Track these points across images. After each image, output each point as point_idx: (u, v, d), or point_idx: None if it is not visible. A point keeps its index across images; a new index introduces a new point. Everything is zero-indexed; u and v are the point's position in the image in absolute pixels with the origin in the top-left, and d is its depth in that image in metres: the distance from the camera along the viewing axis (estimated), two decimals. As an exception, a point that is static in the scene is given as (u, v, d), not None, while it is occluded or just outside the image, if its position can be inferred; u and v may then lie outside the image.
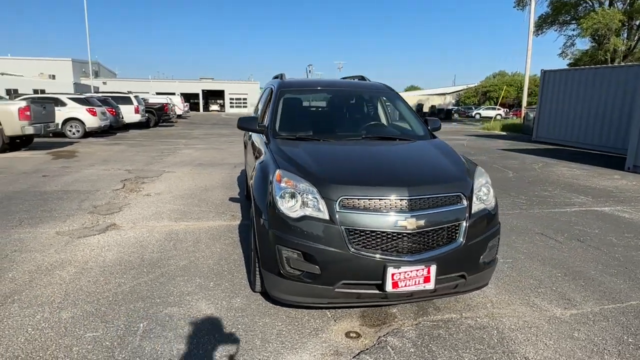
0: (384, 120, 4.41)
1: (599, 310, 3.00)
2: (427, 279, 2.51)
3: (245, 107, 61.80)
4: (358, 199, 2.54)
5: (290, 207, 2.59)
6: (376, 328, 2.73)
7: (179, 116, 34.08)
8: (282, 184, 2.67)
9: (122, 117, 18.81)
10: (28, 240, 4.19)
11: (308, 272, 2.53)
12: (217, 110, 62.10)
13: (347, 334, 2.66)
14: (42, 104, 11.62)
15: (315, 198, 2.57)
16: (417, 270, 2.49)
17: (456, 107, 51.10)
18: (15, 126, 10.42)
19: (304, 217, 2.55)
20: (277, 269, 2.60)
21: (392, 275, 2.46)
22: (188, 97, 63.93)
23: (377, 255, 2.48)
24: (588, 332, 2.72)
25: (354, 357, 2.42)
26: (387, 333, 2.67)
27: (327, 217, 2.52)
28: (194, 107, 63.95)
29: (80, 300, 2.97)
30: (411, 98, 51.04)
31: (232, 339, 2.56)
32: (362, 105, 4.48)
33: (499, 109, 37.56)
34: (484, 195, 2.86)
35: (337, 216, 2.50)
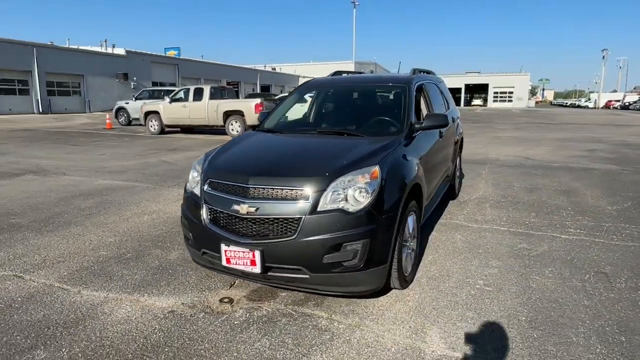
0: (387, 115, 4.15)
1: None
2: (253, 262, 2.69)
3: (510, 101, 57.10)
4: (217, 182, 2.94)
5: (190, 184, 3.22)
6: (252, 303, 3.03)
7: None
8: (195, 164, 3.32)
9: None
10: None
11: (187, 237, 3.13)
12: (480, 105, 59.86)
13: (223, 299, 3.09)
14: (274, 101, 14.88)
15: (197, 179, 3.11)
16: (244, 252, 2.70)
17: None
18: (253, 117, 13.80)
19: (191, 193, 3.14)
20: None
21: (225, 251, 2.78)
22: (451, 92, 64.08)
23: (218, 232, 2.84)
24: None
25: (204, 312, 2.88)
26: (251, 307, 2.95)
27: (198, 194, 3.03)
28: (456, 101, 63.60)
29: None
30: None
31: (174, 274, 3.43)
32: (369, 99, 4.37)
33: None
34: (346, 196, 2.67)
35: (202, 195, 2.98)
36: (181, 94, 15.60)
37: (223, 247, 2.77)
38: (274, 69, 66.69)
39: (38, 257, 3.84)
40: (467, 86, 61.39)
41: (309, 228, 2.61)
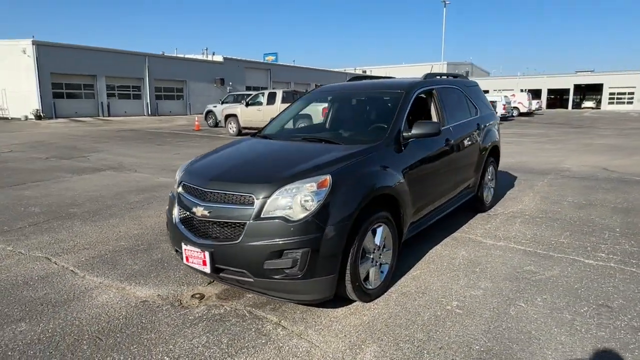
0: (377, 122, 4.01)
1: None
2: (204, 262, 2.85)
3: (630, 102, 50.21)
4: (186, 184, 3.15)
5: (174, 186, 3.49)
6: (219, 300, 3.20)
7: (525, 114, 32.66)
8: (180, 166, 3.58)
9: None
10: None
11: (169, 232, 3.40)
12: (592, 108, 53.61)
13: (195, 295, 3.30)
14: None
15: (176, 179, 3.36)
16: (197, 252, 2.87)
17: None
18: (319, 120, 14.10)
19: (171, 194, 3.40)
20: None
21: (185, 250, 2.97)
22: (557, 93, 58.40)
23: (182, 231, 3.04)
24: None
25: (171, 305, 3.12)
26: (214, 305, 3.12)
27: (175, 194, 3.28)
28: (563, 103, 57.78)
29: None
30: None
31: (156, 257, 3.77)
32: (364, 106, 4.28)
33: None
34: (290, 204, 2.69)
35: (176, 196, 3.22)
36: (257, 98, 16.48)
37: (183, 245, 2.97)
38: (365, 71, 66.82)
39: (71, 243, 4.44)
40: (576, 87, 55.31)
41: (252, 233, 2.69)
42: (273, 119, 4.49)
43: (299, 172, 2.84)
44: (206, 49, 39.23)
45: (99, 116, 29.82)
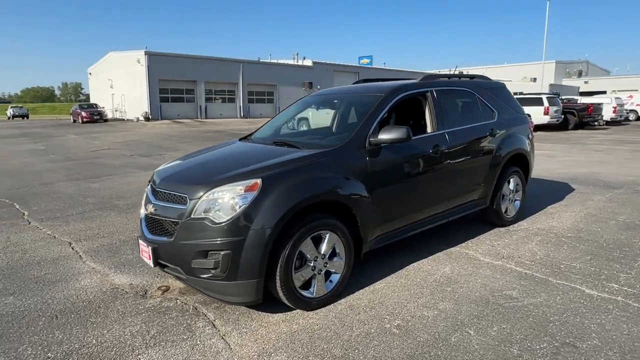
0: (348, 126, 3.85)
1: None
2: (149, 257, 3.04)
3: None
4: (151, 183, 3.38)
5: None
6: (178, 294, 3.36)
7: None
8: None
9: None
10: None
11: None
12: None
13: (161, 287, 3.52)
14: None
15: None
16: (145, 247, 3.08)
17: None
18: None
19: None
20: None
21: (140, 243, 3.20)
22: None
23: (141, 226, 3.27)
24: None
25: (135, 293, 3.40)
26: (170, 298, 3.31)
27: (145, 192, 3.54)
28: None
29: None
30: None
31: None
32: (344, 110, 4.12)
33: None
34: (217, 206, 2.76)
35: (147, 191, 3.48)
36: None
37: (139, 240, 3.20)
38: (461, 72, 63.67)
39: (97, 231, 5.00)
40: None
41: (182, 233, 2.81)
42: (266, 123, 4.58)
43: (233, 176, 2.89)
44: (297, 54, 40.75)
45: (197, 118, 32.71)
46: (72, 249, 4.41)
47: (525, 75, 57.58)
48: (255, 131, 4.47)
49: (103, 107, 33.19)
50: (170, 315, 3.01)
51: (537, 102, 19.77)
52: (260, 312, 3.01)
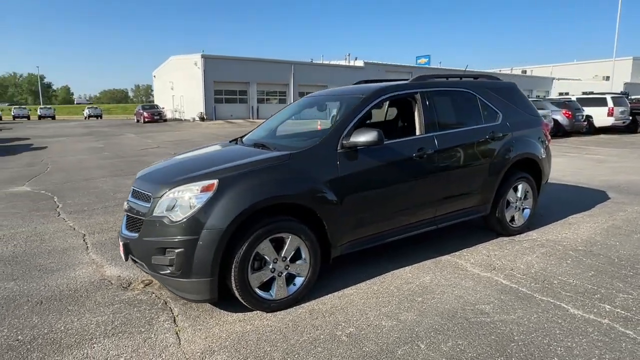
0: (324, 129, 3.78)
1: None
2: (123, 251, 3.20)
3: None
4: (134, 181, 3.55)
5: None
6: (158, 289, 3.54)
7: None
8: None
9: (585, 121, 17.68)
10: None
11: None
12: None
13: (144, 280, 3.69)
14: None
15: None
16: (120, 241, 3.25)
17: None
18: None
19: None
20: None
21: (119, 238, 3.38)
22: None
23: (122, 222, 3.45)
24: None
25: (119, 285, 3.60)
26: (147, 292, 3.46)
27: None
28: None
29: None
30: None
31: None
32: (326, 112, 4.04)
33: None
34: (175, 205, 2.85)
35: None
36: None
37: (119, 235, 3.38)
38: (525, 71, 60.35)
39: (112, 224, 5.33)
40: None
41: (145, 229, 2.93)
42: (260, 124, 4.63)
43: (193, 176, 2.97)
44: (348, 55, 40.73)
45: (249, 118, 33.73)
46: (84, 240, 4.74)
47: (596, 74, 53.39)
48: (249, 132, 4.54)
49: (163, 108, 35.25)
50: (139, 307, 3.15)
51: (600, 102, 18.27)
52: (221, 311, 3.07)
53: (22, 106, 59.66)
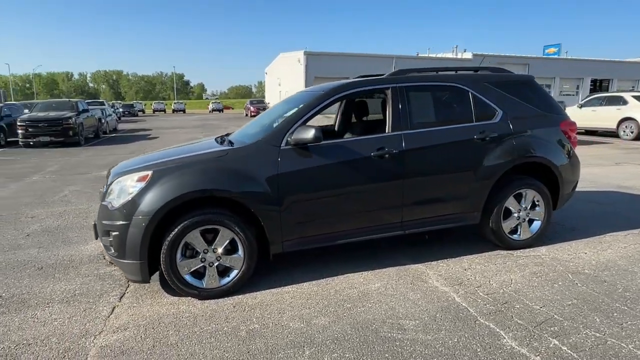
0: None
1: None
2: (94, 231, 3.61)
3: None
4: None
5: None
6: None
7: None
8: None
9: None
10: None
11: None
12: None
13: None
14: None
15: None
16: (93, 223, 3.68)
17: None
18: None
19: None
20: None
21: (100, 219, 3.83)
22: None
23: (106, 206, 3.90)
24: None
25: (100, 259, 4.10)
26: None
27: None
28: None
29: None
30: None
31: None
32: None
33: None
34: (117, 192, 3.15)
35: None
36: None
37: (99, 217, 3.83)
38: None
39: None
40: None
41: (99, 213, 3.30)
42: (254, 119, 4.74)
43: (137, 167, 3.23)
44: (456, 47, 38.46)
45: (347, 113, 34.07)
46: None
47: None
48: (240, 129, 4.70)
49: (268, 103, 37.48)
50: (104, 282, 3.55)
51: None
52: (165, 293, 3.29)
53: (160, 101, 68.57)
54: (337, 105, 4.74)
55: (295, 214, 3.28)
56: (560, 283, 3.25)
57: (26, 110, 16.76)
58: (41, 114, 15.26)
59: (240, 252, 3.19)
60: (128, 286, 3.45)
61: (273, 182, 3.19)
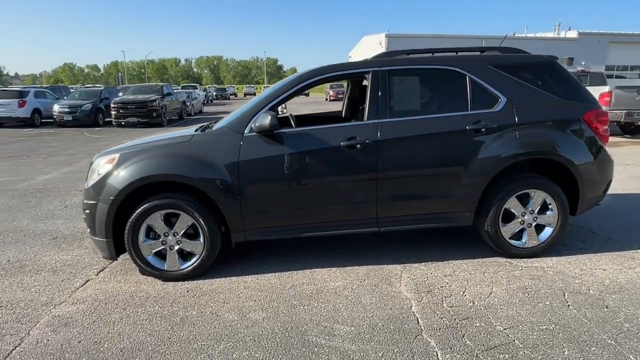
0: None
1: None
2: (91, 208, 3.90)
3: None
4: None
5: None
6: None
7: None
8: None
9: None
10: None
11: None
12: None
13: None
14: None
15: None
16: (93, 199, 3.95)
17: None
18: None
19: None
20: None
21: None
22: None
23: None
24: None
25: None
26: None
27: None
28: None
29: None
30: None
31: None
32: None
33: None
34: (90, 172, 3.34)
35: None
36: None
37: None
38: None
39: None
40: None
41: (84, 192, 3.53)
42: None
43: (109, 150, 3.38)
44: (558, 25, 34.39)
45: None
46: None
47: None
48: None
49: (349, 87, 37.22)
50: (96, 255, 3.80)
51: None
52: (138, 273, 3.43)
53: (251, 85, 71.92)
54: (345, 90, 4.47)
55: (258, 203, 3.19)
56: (547, 303, 2.76)
57: (120, 94, 18.60)
58: (130, 97, 16.86)
59: (201, 238, 3.20)
60: (115, 261, 3.65)
61: (233, 170, 3.13)
